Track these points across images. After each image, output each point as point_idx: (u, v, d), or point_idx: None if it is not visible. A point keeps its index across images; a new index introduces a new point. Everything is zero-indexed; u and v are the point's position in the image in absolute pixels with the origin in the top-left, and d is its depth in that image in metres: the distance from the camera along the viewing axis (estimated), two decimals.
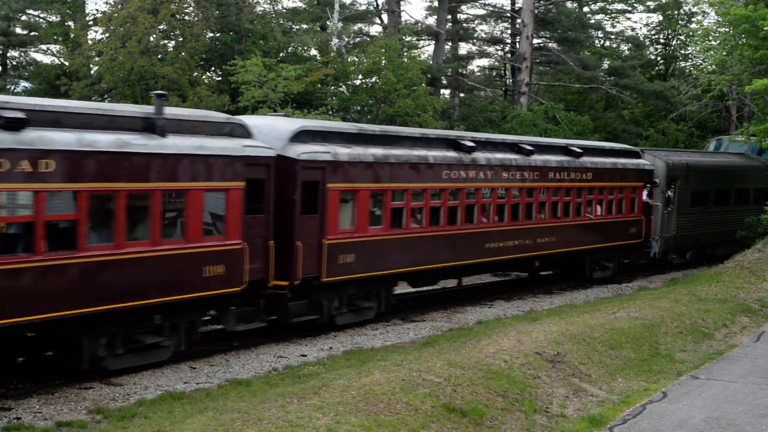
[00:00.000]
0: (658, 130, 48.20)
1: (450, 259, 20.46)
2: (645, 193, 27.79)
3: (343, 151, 17.54)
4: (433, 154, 19.77)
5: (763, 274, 24.09)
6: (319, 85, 35.08)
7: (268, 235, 15.91)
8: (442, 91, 48.64)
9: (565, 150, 24.82)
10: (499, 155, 21.88)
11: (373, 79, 34.71)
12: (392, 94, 34.21)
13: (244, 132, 15.80)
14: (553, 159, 23.84)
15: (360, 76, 35.55)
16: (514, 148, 22.77)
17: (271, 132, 16.70)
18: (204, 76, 36.43)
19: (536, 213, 23.19)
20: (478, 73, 58.03)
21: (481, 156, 21.16)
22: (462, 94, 51.49)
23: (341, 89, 35.99)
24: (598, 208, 25.95)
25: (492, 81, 56.40)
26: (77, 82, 33.55)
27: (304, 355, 16.01)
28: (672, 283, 27.00)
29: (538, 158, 23.22)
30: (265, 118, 20.26)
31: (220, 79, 36.05)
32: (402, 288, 21.72)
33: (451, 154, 20.37)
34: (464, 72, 53.69)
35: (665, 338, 17.22)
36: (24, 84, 43.53)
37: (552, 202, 23.89)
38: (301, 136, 16.97)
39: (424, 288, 22.54)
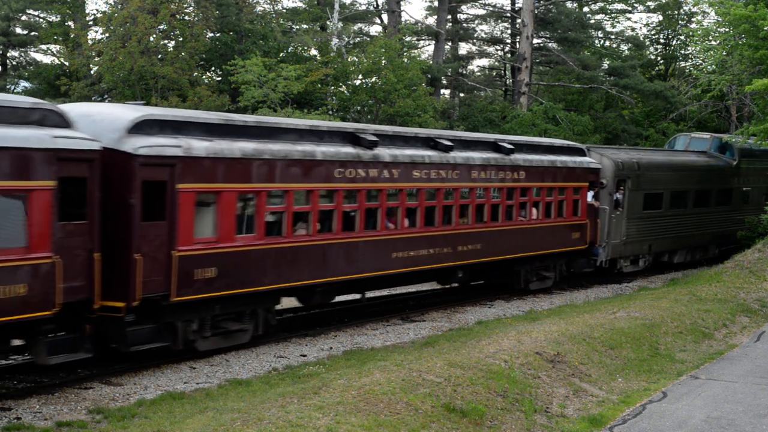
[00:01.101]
0: (658, 130, 48.20)
1: (347, 271, 17.61)
2: (590, 194, 25.33)
3: (200, 145, 14.60)
4: (323, 149, 16.98)
5: (763, 274, 24.09)
6: (319, 85, 35.08)
7: (93, 246, 13.06)
8: (442, 91, 48.65)
9: (493, 146, 22.06)
10: (409, 151, 19.12)
11: (373, 79, 34.71)
12: (392, 94, 34.22)
13: (59, 121, 12.94)
14: (477, 156, 21.00)
15: (360, 76, 35.55)
16: (429, 143, 20.02)
17: (104, 121, 14.01)
18: (204, 76, 36.43)
19: (457, 217, 20.44)
20: (478, 73, 58.08)
21: (385, 152, 18.37)
22: (462, 94, 51.52)
23: (341, 89, 35.99)
24: (534, 211, 23.18)
25: (492, 81, 56.42)
26: (77, 82, 33.55)
27: (304, 355, 16.01)
28: (672, 283, 27.00)
29: (459, 155, 20.41)
30: (101, 105, 17.77)
31: (220, 79, 36.06)
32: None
33: (347, 149, 17.55)
34: (464, 72, 53.71)
35: (665, 338, 17.22)
36: (24, 84, 43.54)
37: (476, 204, 21.11)
38: (144, 127, 14.09)
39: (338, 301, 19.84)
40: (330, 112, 34.78)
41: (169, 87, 32.21)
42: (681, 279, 27.68)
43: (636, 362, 15.54)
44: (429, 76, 40.73)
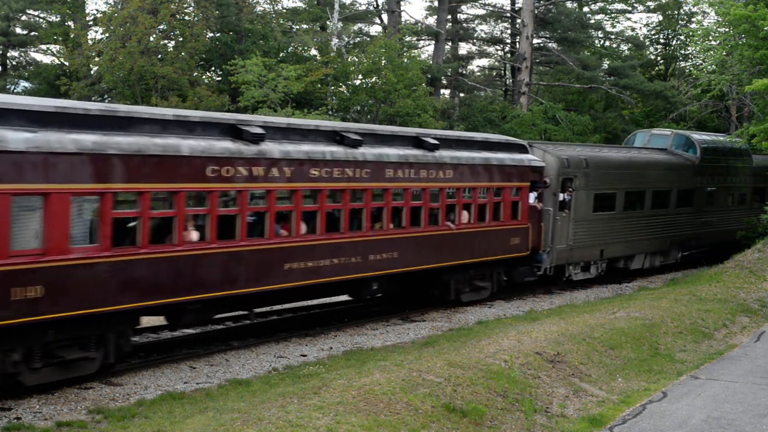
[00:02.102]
0: None
1: (226, 286, 15.01)
2: (532, 195, 22.90)
3: (18, 137, 11.99)
4: (191, 143, 14.32)
5: (763, 274, 24.10)
6: (319, 85, 35.10)
7: None
8: (442, 91, 48.66)
9: (415, 141, 19.53)
10: (307, 146, 16.51)
11: (373, 79, 34.72)
12: (392, 94, 34.23)
13: None
14: (394, 152, 18.47)
15: (360, 76, 35.56)
16: (335, 137, 17.43)
17: None
18: (204, 76, 36.46)
19: (368, 222, 17.84)
20: (478, 73, 58.11)
21: (274, 148, 15.75)
22: (462, 94, 51.54)
23: (341, 89, 36.00)
24: (465, 214, 20.60)
25: (492, 81, 56.44)
26: (77, 82, 33.58)
27: (304, 355, 16.02)
28: (672, 283, 26.99)
29: (370, 151, 17.85)
30: None
31: (220, 79, 36.08)
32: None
33: (225, 144, 14.90)
34: (464, 72, 53.74)
35: (665, 338, 17.22)
36: (24, 84, 43.57)
37: (392, 207, 18.55)
38: None
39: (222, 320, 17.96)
40: (330, 112, 34.79)
41: (169, 87, 32.24)
42: (681, 279, 27.67)
43: (636, 362, 15.54)
44: (429, 76, 40.74)
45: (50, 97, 31.57)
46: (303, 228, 16.56)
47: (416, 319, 20.05)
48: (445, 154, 19.88)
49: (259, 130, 15.59)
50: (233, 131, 15.32)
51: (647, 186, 28.19)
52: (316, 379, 12.72)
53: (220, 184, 14.82)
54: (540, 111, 41.50)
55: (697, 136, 31.73)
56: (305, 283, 16.59)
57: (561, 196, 24.19)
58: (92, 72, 34.68)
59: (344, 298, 20.24)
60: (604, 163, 26.32)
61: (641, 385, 14.23)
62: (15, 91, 42.15)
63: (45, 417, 11.77)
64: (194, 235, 14.56)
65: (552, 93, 49.31)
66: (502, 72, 56.82)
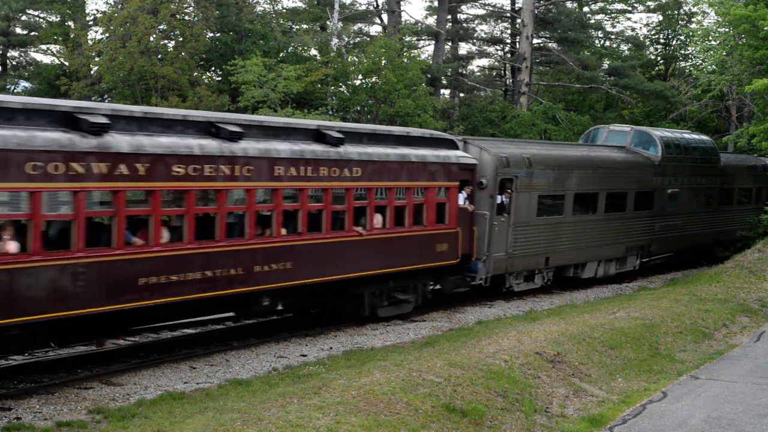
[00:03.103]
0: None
1: (55, 307, 12.44)
2: (463, 197, 20.61)
3: None
4: (5, 133, 11.87)
5: (763, 274, 24.10)
6: (319, 85, 35.09)
7: None
8: (442, 91, 48.66)
9: (315, 135, 17.00)
10: (167, 139, 14.01)
11: (373, 79, 34.72)
12: (392, 94, 34.23)
13: None
14: (285, 147, 15.95)
15: (360, 76, 35.56)
16: (209, 129, 14.89)
17: None
18: (204, 76, 36.46)
19: (251, 228, 15.33)
20: (478, 73, 58.11)
21: (122, 140, 13.28)
22: (462, 94, 51.54)
23: (341, 89, 36.00)
24: (379, 218, 18.29)
25: (492, 81, 56.45)
26: (77, 82, 33.58)
27: (304, 355, 16.02)
28: (672, 283, 27.00)
29: (254, 145, 15.38)
30: None
31: (220, 79, 36.08)
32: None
33: (54, 135, 12.46)
34: (464, 72, 53.74)
35: (665, 338, 17.23)
36: (24, 84, 43.58)
37: (283, 211, 16.04)
38: None
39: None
40: (330, 112, 34.78)
41: (169, 87, 32.23)
42: (681, 279, 27.68)
43: (636, 362, 15.54)
44: (429, 76, 40.74)
45: (51, 97, 31.56)
46: (165, 236, 14.13)
47: (416, 319, 20.04)
48: (353, 150, 17.43)
49: (102, 120, 13.11)
50: (68, 121, 12.87)
51: (601, 187, 25.64)
52: (316, 379, 12.72)
53: (46, 183, 12.28)
54: (540, 111, 41.50)
55: (658, 132, 29.38)
56: (167, 301, 14.05)
57: (499, 199, 21.73)
58: (92, 72, 34.68)
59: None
60: (550, 162, 23.74)
61: (641, 385, 14.23)
62: (15, 91, 42.15)
63: (45, 417, 11.77)
64: (11, 246, 12.15)
65: (552, 93, 49.31)
66: (502, 72, 56.82)
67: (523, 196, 22.57)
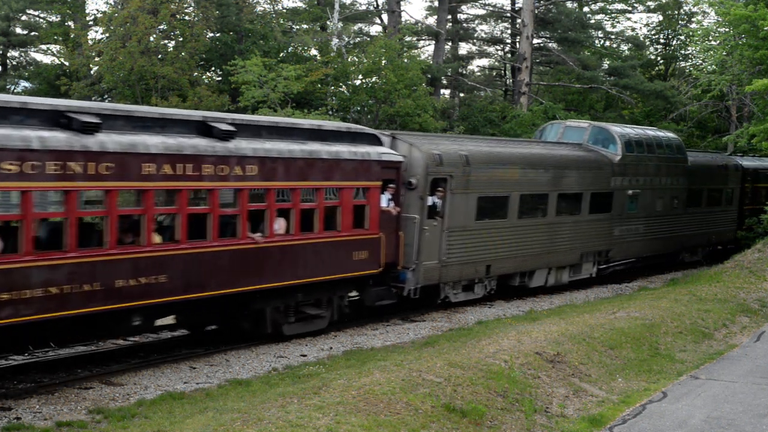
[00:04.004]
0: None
1: None
2: (386, 198, 18.61)
3: None
4: None
5: (763, 274, 24.11)
6: (319, 85, 35.09)
7: None
8: (442, 91, 48.67)
9: (198, 127, 14.78)
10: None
11: (373, 79, 34.72)
12: (392, 94, 34.22)
13: None
14: (154, 141, 13.76)
15: (360, 76, 35.56)
16: (59, 119, 12.82)
17: None
18: (204, 76, 36.46)
19: (112, 236, 13.20)
20: (478, 73, 58.12)
21: None
22: (462, 94, 51.54)
23: (341, 89, 36.00)
24: (281, 223, 16.17)
25: (492, 81, 56.44)
26: (77, 82, 33.59)
27: (304, 355, 16.02)
28: (672, 283, 26.99)
29: (114, 139, 13.22)
30: None
31: (220, 79, 36.08)
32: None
33: None
34: (464, 72, 53.74)
35: (665, 338, 17.23)
36: (24, 84, 43.59)
37: (153, 215, 13.96)
38: None
39: None
40: (330, 112, 34.78)
41: (169, 87, 32.23)
42: (681, 279, 27.67)
43: (636, 362, 15.55)
44: (429, 76, 40.74)
45: (51, 97, 31.61)
46: None
47: (416, 319, 20.04)
48: (247, 145, 15.25)
49: None
50: None
51: (552, 188, 23.41)
52: (316, 379, 12.72)
53: None
54: (540, 111, 41.48)
55: (618, 129, 27.34)
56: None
57: (430, 200, 19.62)
58: (92, 72, 34.69)
59: None
60: (492, 160, 21.53)
61: (641, 385, 14.24)
62: (15, 91, 42.15)
63: (45, 417, 11.77)
64: None
65: (552, 93, 49.31)
66: (502, 72, 56.82)
67: (459, 198, 20.37)
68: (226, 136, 14.96)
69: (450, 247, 20.22)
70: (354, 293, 19.26)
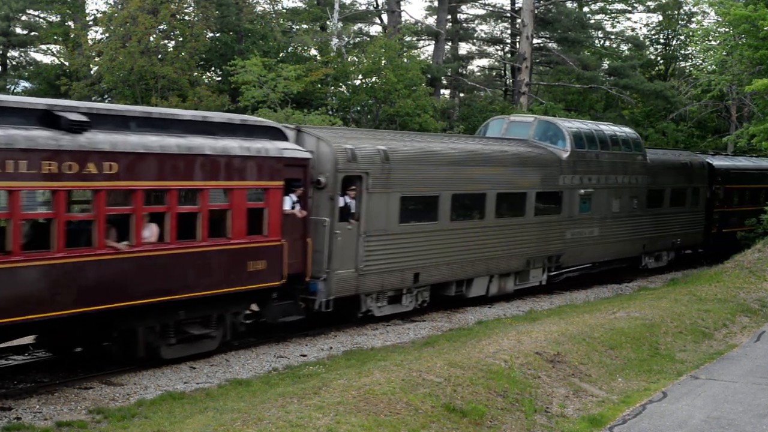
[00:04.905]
0: (657, 130, 48.25)
1: None
2: (290, 200, 16.45)
3: None
4: None
5: (763, 274, 24.10)
6: (319, 85, 35.10)
7: None
8: (442, 91, 48.68)
9: (39, 117, 12.59)
10: None
11: (373, 79, 34.73)
12: (392, 94, 34.23)
13: None
14: None
15: (360, 76, 35.58)
16: None
17: None
18: (204, 76, 36.47)
19: None
20: (478, 73, 58.13)
21: None
22: (462, 94, 51.57)
23: (341, 89, 36.01)
24: (152, 229, 13.91)
25: (492, 81, 56.46)
26: (77, 82, 33.59)
27: (304, 355, 16.02)
28: (672, 283, 26.98)
29: None
30: None
31: (220, 79, 36.09)
32: None
33: None
34: (464, 72, 53.76)
35: (665, 338, 17.23)
36: (24, 84, 43.61)
37: None
38: None
39: None
40: (330, 112, 34.79)
41: (169, 87, 32.23)
42: (681, 279, 27.67)
43: (636, 362, 15.55)
44: (429, 76, 40.76)
45: (50, 97, 31.64)
46: None
47: (416, 319, 20.03)
48: (105, 139, 13.02)
49: None
50: None
51: (490, 187, 21.27)
52: (316, 379, 12.73)
53: None
54: (540, 111, 41.46)
55: (567, 123, 25.38)
56: None
57: (342, 201, 17.53)
58: (92, 72, 34.69)
59: None
60: (417, 156, 19.37)
61: (641, 385, 14.24)
62: (15, 91, 42.16)
63: (45, 417, 11.77)
64: None
65: (552, 93, 49.32)
66: (502, 72, 56.84)
67: (378, 198, 18.21)
68: (76, 127, 12.73)
69: (369, 254, 18.05)
70: (255, 308, 16.92)
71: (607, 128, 27.04)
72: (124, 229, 13.50)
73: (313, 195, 17.15)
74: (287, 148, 16.24)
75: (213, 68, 37.31)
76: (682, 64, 55.27)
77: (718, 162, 32.99)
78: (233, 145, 15.05)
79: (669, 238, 29.58)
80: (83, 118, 12.84)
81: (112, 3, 35.44)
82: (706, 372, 15.17)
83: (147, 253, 13.66)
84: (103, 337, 14.34)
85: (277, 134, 16.46)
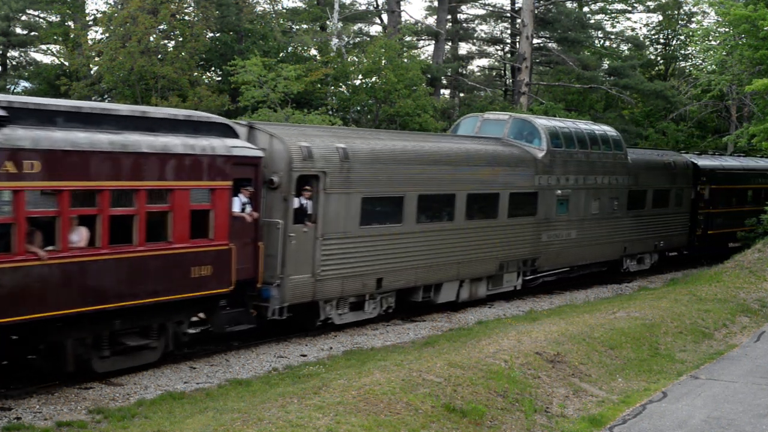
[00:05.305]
0: (658, 130, 48.27)
1: None
2: (240, 201, 15.48)
3: None
4: None
5: (763, 274, 24.10)
6: (319, 85, 35.11)
7: None
8: (442, 91, 48.68)
9: None
10: None
11: (373, 79, 34.74)
12: (392, 94, 34.23)
13: None
14: None
15: (360, 76, 35.58)
16: None
17: None
18: (204, 76, 36.48)
19: None
20: (478, 73, 58.14)
21: None
22: (462, 94, 51.56)
23: (341, 89, 36.01)
24: (81, 233, 12.88)
25: (492, 81, 56.47)
26: (77, 82, 33.59)
27: (304, 355, 16.02)
28: (672, 283, 26.98)
29: None
30: None
31: (220, 79, 36.10)
32: None
33: None
34: (464, 72, 53.76)
35: (665, 338, 17.23)
36: (24, 84, 43.61)
37: None
38: None
39: None
40: (330, 112, 34.79)
41: (169, 87, 32.24)
42: (681, 279, 27.67)
43: (636, 362, 15.55)
44: (429, 76, 40.76)
45: (51, 97, 31.63)
46: None
47: (416, 319, 20.03)
48: (25, 135, 12.03)
49: None
50: None
51: (460, 188, 20.29)
52: (316, 379, 12.73)
53: None
54: (540, 111, 41.47)
55: (543, 121, 24.30)
56: None
57: (297, 202, 16.45)
58: (92, 72, 34.69)
59: None
60: (380, 155, 18.24)
61: (641, 385, 14.24)
62: (15, 91, 42.17)
63: (45, 417, 11.77)
64: None
65: (552, 93, 49.34)
66: (502, 72, 56.85)
67: (337, 199, 17.19)
68: None
69: (327, 258, 17.00)
70: (202, 316, 16.11)
71: (586, 127, 26.08)
72: (50, 234, 12.41)
73: (266, 196, 16.13)
74: (236, 146, 15.24)
75: (213, 68, 37.32)
76: (682, 64, 55.32)
77: (703, 162, 32.16)
78: (175, 143, 14.03)
79: (651, 241, 28.62)
80: (1, 113, 11.91)
81: (112, 3, 35.46)
82: (706, 372, 15.17)
83: (74, 259, 12.62)
84: (29, 350, 13.28)
85: (227, 131, 15.43)
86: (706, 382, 14.38)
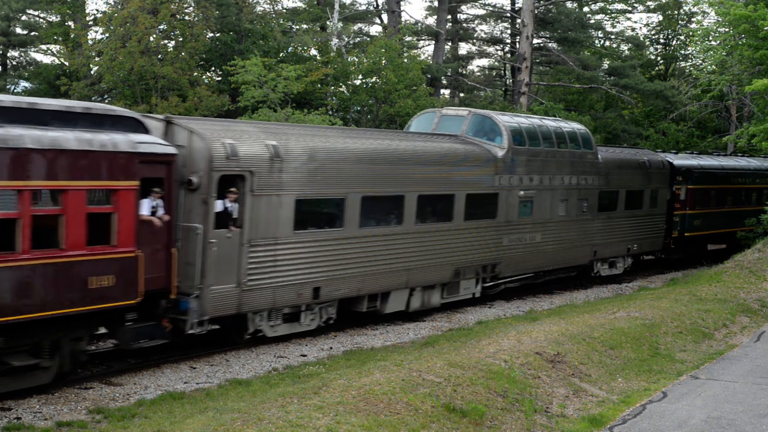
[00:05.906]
0: (658, 130, 48.28)
1: None
2: (149, 203, 13.87)
3: None
4: None
5: (763, 274, 24.11)
6: (319, 85, 35.11)
7: None
8: (442, 91, 48.69)
9: None
10: None
11: (373, 79, 34.75)
12: (392, 94, 34.24)
13: None
14: None
15: (360, 76, 35.59)
16: None
17: None
18: (204, 76, 36.48)
19: None
20: (478, 73, 58.16)
21: None
22: (462, 94, 51.58)
23: (341, 89, 36.02)
24: None
25: (492, 81, 56.50)
26: (77, 82, 33.59)
27: (304, 355, 16.02)
28: (672, 283, 26.98)
29: None
30: None
31: (220, 79, 36.10)
32: None
33: None
34: (464, 72, 53.78)
35: (665, 338, 17.23)
36: (24, 84, 43.62)
37: None
38: None
39: None
40: (330, 112, 34.80)
41: (169, 87, 32.24)
42: (681, 279, 27.67)
43: (636, 362, 15.55)
44: (429, 76, 40.77)
45: (51, 97, 31.63)
46: None
47: (416, 319, 20.03)
48: None
49: None
50: None
51: (410, 188, 18.77)
52: (316, 379, 12.73)
53: None
54: (540, 111, 41.48)
55: (506, 118, 22.65)
56: None
57: (220, 205, 14.93)
58: (92, 72, 34.69)
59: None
60: (316, 153, 16.69)
61: (641, 385, 14.24)
62: (15, 91, 42.18)
63: (45, 417, 11.77)
64: None
65: (552, 93, 49.35)
66: (502, 72, 56.86)
67: (266, 202, 15.64)
68: None
69: (254, 266, 15.50)
70: (104, 331, 14.65)
71: (553, 124, 24.44)
72: None
73: (184, 198, 14.60)
74: (144, 142, 13.61)
75: (213, 68, 37.32)
76: (682, 64, 55.32)
77: (679, 161, 30.77)
78: (68, 137, 12.46)
79: (624, 244, 27.14)
80: None
81: (112, 3, 35.46)
82: (706, 372, 15.17)
83: None
84: None
85: (136, 126, 13.82)
86: (706, 382, 14.38)
